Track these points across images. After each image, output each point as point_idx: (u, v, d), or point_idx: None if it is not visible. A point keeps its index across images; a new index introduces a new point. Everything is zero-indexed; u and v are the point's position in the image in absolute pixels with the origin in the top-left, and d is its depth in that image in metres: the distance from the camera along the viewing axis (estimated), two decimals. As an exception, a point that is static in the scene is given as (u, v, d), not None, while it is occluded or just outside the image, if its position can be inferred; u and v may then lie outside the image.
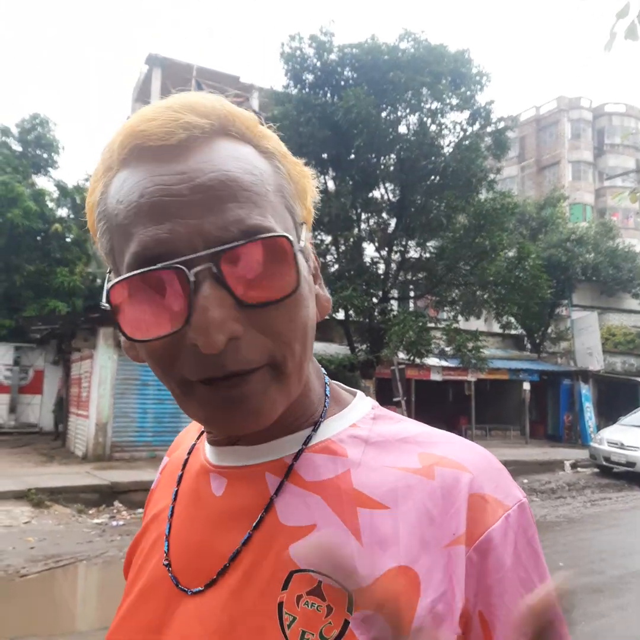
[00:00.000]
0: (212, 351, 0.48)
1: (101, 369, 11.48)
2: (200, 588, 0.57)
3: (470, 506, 0.54)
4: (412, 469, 0.56)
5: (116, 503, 8.50)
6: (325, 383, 0.66)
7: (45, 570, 5.71)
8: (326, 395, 0.65)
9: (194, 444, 0.70)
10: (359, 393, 0.68)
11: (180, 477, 0.67)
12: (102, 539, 6.80)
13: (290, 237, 0.51)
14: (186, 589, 0.58)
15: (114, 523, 7.65)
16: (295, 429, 0.61)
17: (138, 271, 0.49)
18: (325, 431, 0.61)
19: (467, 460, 0.57)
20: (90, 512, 8.14)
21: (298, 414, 0.61)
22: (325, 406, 0.63)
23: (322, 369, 0.68)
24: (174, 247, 0.49)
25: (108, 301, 0.51)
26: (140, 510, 8.26)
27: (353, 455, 0.59)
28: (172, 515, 0.64)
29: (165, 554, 0.62)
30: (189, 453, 0.69)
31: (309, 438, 0.60)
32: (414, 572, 0.52)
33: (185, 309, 0.48)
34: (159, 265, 0.48)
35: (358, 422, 0.63)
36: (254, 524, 0.56)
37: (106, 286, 0.53)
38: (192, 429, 0.76)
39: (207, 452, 0.65)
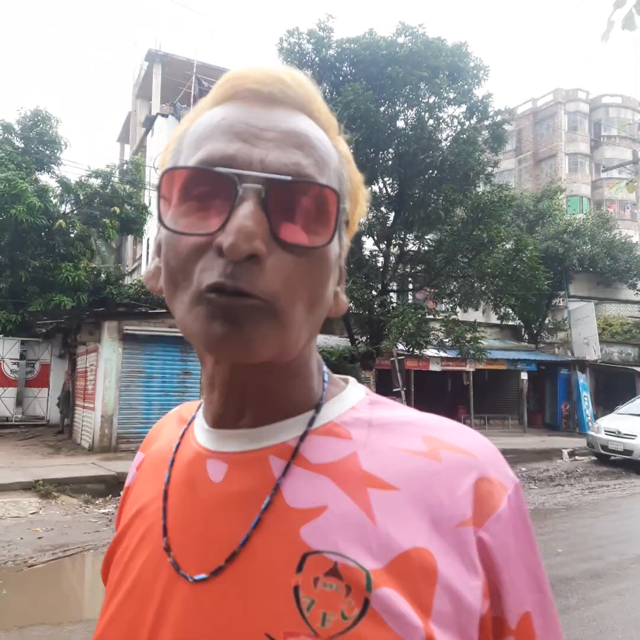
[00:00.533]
0: (233, 256, 0.48)
1: (106, 362, 11.54)
2: (204, 575, 0.55)
3: (476, 489, 0.55)
4: (419, 451, 0.57)
5: (122, 493, 8.59)
6: (324, 371, 0.66)
7: (53, 559, 5.74)
8: (325, 380, 0.65)
9: (183, 434, 0.68)
10: (351, 379, 0.69)
11: (171, 467, 0.65)
12: (109, 529, 6.84)
13: (339, 194, 0.53)
14: (187, 576, 0.55)
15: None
16: (297, 412, 0.60)
17: (193, 165, 0.52)
18: (327, 414, 0.61)
19: (469, 444, 0.58)
20: (97, 502, 8.20)
21: (299, 396, 0.61)
22: (324, 390, 0.63)
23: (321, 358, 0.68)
24: (235, 162, 0.51)
25: (158, 186, 0.54)
26: (146, 499, 8.40)
27: (358, 437, 0.59)
28: (165, 504, 0.62)
29: (164, 539, 0.59)
30: (177, 445, 0.67)
31: (312, 420, 0.60)
32: (429, 553, 0.52)
33: (224, 217, 0.49)
34: (215, 168, 0.51)
35: (357, 405, 0.63)
36: (263, 506, 0.55)
37: (160, 171, 0.56)
38: (170, 422, 0.74)
39: (201, 439, 0.63)
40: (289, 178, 0.51)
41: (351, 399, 0.64)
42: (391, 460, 0.56)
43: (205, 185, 0.51)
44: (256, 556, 0.53)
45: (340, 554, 0.51)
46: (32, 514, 7.33)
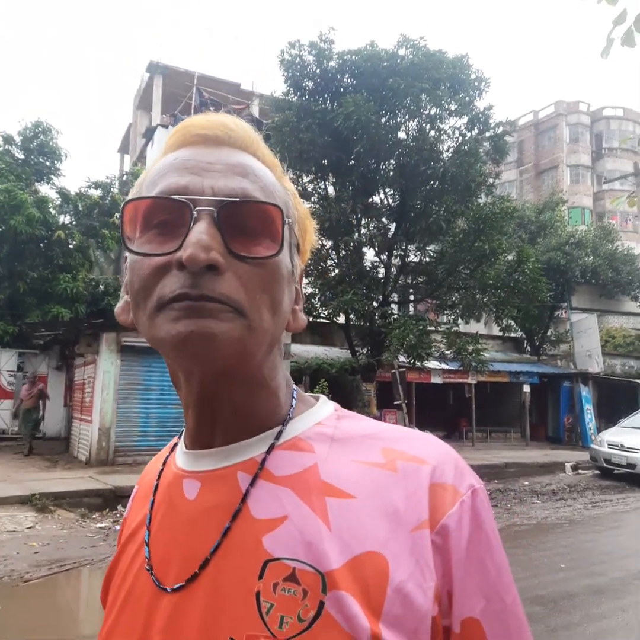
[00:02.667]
0: (193, 265, 0.53)
1: (104, 374, 11.46)
2: (181, 583, 0.59)
3: (431, 494, 0.58)
4: (377, 463, 0.60)
5: (119, 507, 8.46)
6: (294, 389, 0.71)
7: (49, 575, 5.66)
8: (293, 397, 0.69)
9: (166, 460, 0.73)
10: (322, 397, 0.72)
11: (155, 492, 0.70)
12: (106, 543, 6.76)
13: (283, 209, 0.59)
14: (167, 588, 0.60)
15: (117, 527, 7.55)
16: (265, 429, 0.64)
17: (151, 195, 0.59)
18: (292, 430, 0.65)
19: (426, 453, 0.62)
20: (94, 516, 8.11)
21: (266, 410, 0.65)
22: (292, 406, 0.68)
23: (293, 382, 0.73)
24: (188, 191, 0.57)
25: (121, 215, 0.60)
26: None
27: (320, 450, 0.63)
28: (149, 525, 0.67)
29: (146, 560, 0.64)
30: (161, 470, 0.72)
31: (278, 436, 0.64)
32: (382, 556, 0.55)
33: (182, 238, 0.55)
34: (172, 196, 0.57)
35: (323, 420, 0.67)
36: (231, 516, 0.59)
37: (123, 202, 0.62)
38: (162, 454, 0.78)
39: (179, 461, 0.69)
40: (237, 199, 0.57)
41: (318, 415, 0.68)
42: (350, 471, 0.60)
43: (163, 214, 0.58)
44: (224, 564, 0.58)
45: (298, 560, 0.55)
46: (28, 528, 7.26)
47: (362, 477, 0.59)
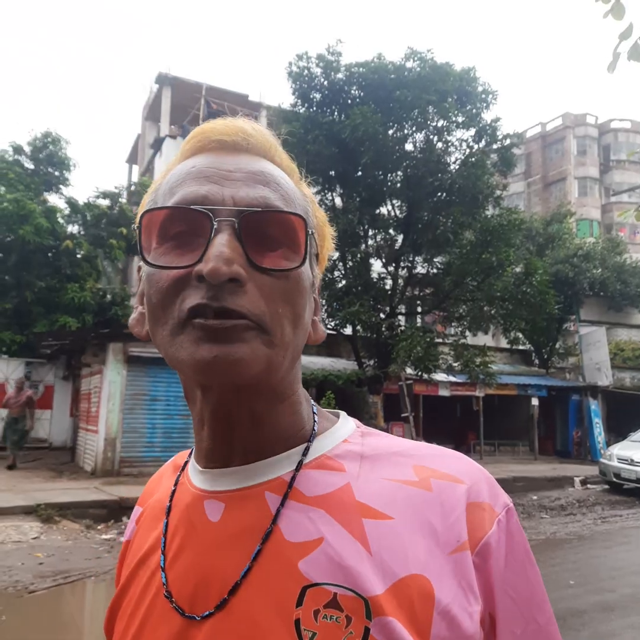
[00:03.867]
0: (214, 279, 0.52)
1: (110, 384, 11.49)
2: (210, 611, 0.56)
3: (469, 514, 0.57)
4: (410, 482, 0.59)
5: (124, 519, 8.40)
6: (312, 404, 0.68)
7: (53, 586, 5.66)
8: (314, 413, 0.67)
9: (177, 481, 0.70)
10: (342, 413, 0.71)
11: (168, 513, 0.66)
12: (111, 555, 6.74)
13: (306, 219, 0.58)
14: (194, 616, 0.57)
15: (123, 539, 7.58)
16: (289, 446, 0.62)
17: (168, 205, 0.57)
18: (319, 448, 0.63)
19: (459, 471, 0.61)
20: (99, 527, 8.10)
21: (290, 430, 0.63)
22: (315, 422, 0.65)
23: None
24: (208, 201, 0.56)
25: (139, 226, 0.58)
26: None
27: (351, 469, 0.60)
28: (165, 549, 0.63)
29: (164, 586, 0.60)
30: (174, 491, 0.69)
31: (304, 454, 0.62)
32: (426, 579, 0.53)
33: (202, 250, 0.53)
34: (191, 206, 0.55)
35: (349, 437, 0.65)
36: (263, 538, 0.56)
37: (140, 212, 0.60)
38: (166, 472, 0.75)
39: (196, 481, 0.65)
40: (259, 209, 0.56)
41: (343, 431, 0.66)
42: (384, 490, 0.58)
43: (182, 225, 0.56)
44: (257, 589, 0.55)
45: (339, 585, 0.53)
46: (33, 538, 7.26)
47: (396, 496, 0.58)
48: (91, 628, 5.08)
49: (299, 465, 0.61)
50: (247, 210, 0.55)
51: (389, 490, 0.58)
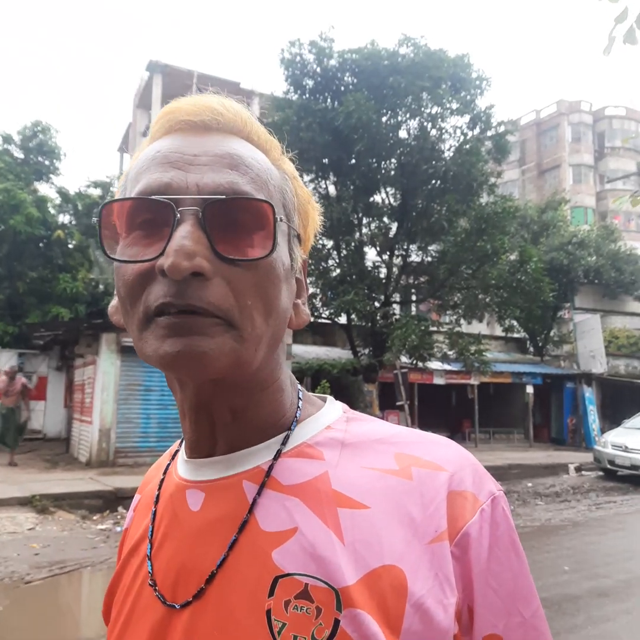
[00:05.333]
0: (175, 275, 0.49)
1: (104, 375, 11.45)
2: (188, 599, 0.56)
3: (449, 503, 0.55)
4: (390, 470, 0.57)
5: (120, 509, 8.45)
6: (298, 389, 0.67)
7: (49, 576, 5.66)
8: (299, 399, 0.65)
9: (167, 469, 0.70)
10: (329, 397, 0.69)
11: (156, 502, 0.67)
12: (107, 545, 6.75)
13: (274, 206, 0.55)
14: (174, 605, 0.57)
15: (118, 529, 7.60)
16: (270, 435, 0.61)
17: (130, 197, 0.55)
18: (300, 435, 0.62)
19: (443, 459, 0.59)
20: (95, 518, 8.11)
21: (271, 419, 0.62)
22: (298, 408, 0.64)
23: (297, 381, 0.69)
24: (172, 189, 0.53)
25: (98, 218, 0.57)
26: (144, 515, 8.30)
27: (330, 457, 0.59)
28: (151, 538, 0.64)
29: (149, 575, 0.61)
30: (162, 480, 0.69)
31: (285, 442, 0.61)
32: (399, 570, 0.52)
33: (165, 242, 0.51)
34: (152, 196, 0.53)
35: (332, 424, 0.63)
36: (239, 527, 0.56)
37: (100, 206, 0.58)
38: (162, 461, 0.76)
39: (181, 470, 0.65)
40: (223, 196, 0.53)
41: (327, 417, 0.64)
42: (362, 479, 0.57)
43: (146, 214, 0.54)
44: (232, 579, 0.55)
45: (310, 576, 0.52)
46: (28, 529, 7.26)
47: (375, 485, 0.56)
48: (88, 618, 5.09)
49: (278, 453, 0.60)
50: (211, 199, 0.52)
51: (368, 479, 0.57)
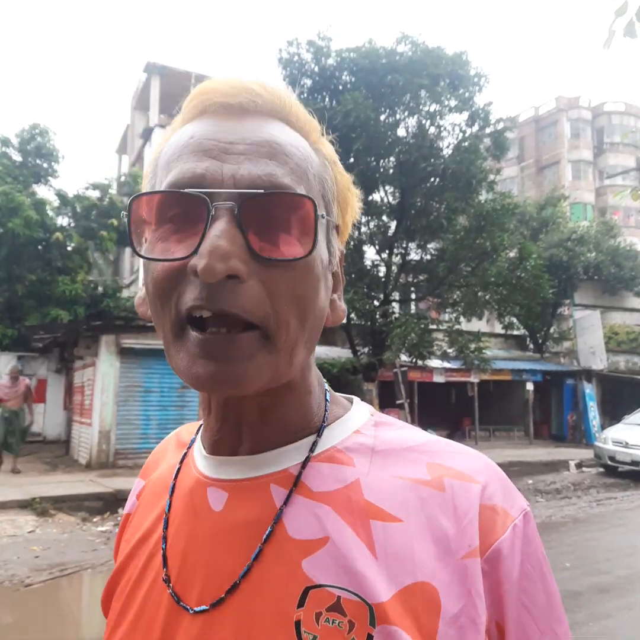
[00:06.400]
0: (208, 278, 0.47)
1: (104, 377, 11.48)
2: (204, 607, 0.54)
3: (481, 517, 0.54)
4: (422, 481, 0.55)
5: (120, 510, 8.42)
6: (325, 389, 0.65)
7: (50, 579, 5.67)
8: (326, 400, 0.63)
9: (182, 459, 0.67)
10: (356, 399, 0.67)
11: (171, 495, 0.64)
12: (107, 547, 6.74)
13: (316, 202, 0.51)
14: (188, 607, 0.55)
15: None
16: (298, 437, 0.59)
17: (162, 190, 0.52)
18: (329, 438, 0.60)
19: (475, 470, 0.57)
20: (95, 520, 8.12)
21: (298, 415, 0.60)
22: (326, 411, 0.62)
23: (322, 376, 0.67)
24: (206, 181, 0.50)
25: (128, 213, 0.53)
26: (144, 517, 8.31)
27: (360, 464, 0.57)
28: (165, 533, 0.61)
29: (163, 570, 0.59)
30: (178, 471, 0.66)
31: (314, 446, 0.59)
32: (433, 587, 0.51)
33: (198, 239, 0.48)
34: (184, 190, 0.50)
35: (360, 428, 0.61)
36: (264, 537, 0.54)
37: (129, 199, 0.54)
38: (168, 447, 0.73)
39: (200, 465, 0.63)
40: (262, 191, 0.49)
41: (355, 421, 0.62)
42: (394, 490, 0.55)
43: (178, 208, 0.51)
44: (257, 589, 0.52)
45: (343, 588, 0.50)
46: (28, 532, 7.26)
47: (407, 496, 0.54)
48: (88, 620, 5.09)
49: (308, 457, 0.58)
50: (248, 193, 0.49)
51: (400, 489, 0.55)
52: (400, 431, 0.62)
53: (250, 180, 0.50)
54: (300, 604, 0.51)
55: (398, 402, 13.96)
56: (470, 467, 0.57)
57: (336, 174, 0.61)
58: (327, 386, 0.66)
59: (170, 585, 0.57)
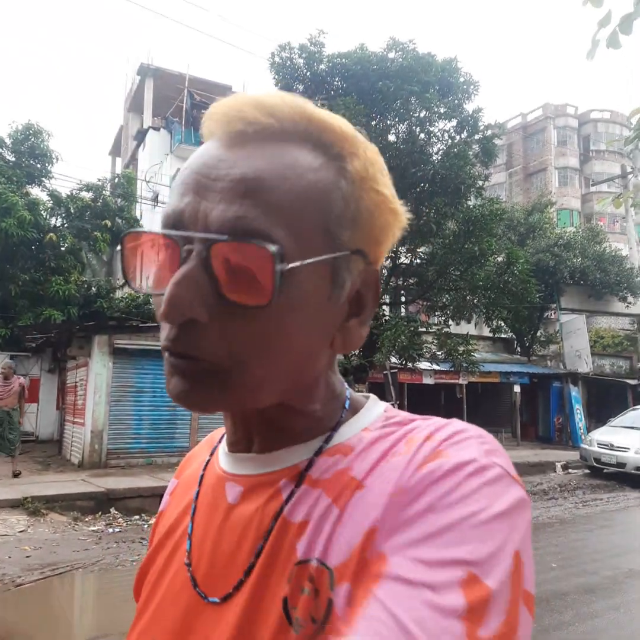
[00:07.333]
0: (168, 322, 0.51)
1: (96, 377, 11.44)
2: (216, 599, 0.57)
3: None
4: (400, 451, 0.55)
5: (112, 510, 8.46)
6: (347, 395, 0.65)
7: (41, 579, 5.63)
8: (344, 406, 0.64)
9: (209, 459, 0.70)
10: (372, 396, 0.67)
11: (200, 483, 0.68)
12: (99, 547, 6.75)
13: (274, 251, 0.49)
14: (203, 594, 0.58)
15: (110, 530, 7.60)
16: (311, 436, 0.61)
17: (141, 229, 0.55)
18: (338, 437, 0.61)
19: (457, 449, 0.54)
20: (87, 519, 8.08)
21: (305, 426, 0.61)
22: (342, 415, 0.63)
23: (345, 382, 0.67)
24: (184, 219, 0.52)
25: (120, 247, 0.56)
26: (136, 517, 8.23)
27: (359, 451, 0.58)
28: (192, 521, 0.65)
29: (187, 553, 0.62)
30: (207, 463, 0.70)
31: (324, 443, 0.60)
32: (376, 528, 0.51)
33: (170, 277, 0.51)
34: (159, 231, 0.53)
35: (369, 425, 0.61)
36: (267, 531, 0.57)
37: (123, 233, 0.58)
38: (202, 447, 0.76)
39: (222, 461, 0.66)
40: (225, 237, 0.50)
41: (367, 418, 0.63)
42: (376, 463, 0.56)
43: (162, 246, 0.53)
44: (258, 582, 0.55)
45: (316, 559, 0.52)
46: (20, 532, 7.22)
47: (382, 465, 0.55)
48: (80, 620, 5.08)
49: (316, 453, 0.60)
50: (211, 238, 0.50)
51: (381, 462, 0.55)
52: (408, 420, 0.61)
53: (220, 224, 0.50)
54: (289, 580, 0.53)
55: (388, 403, 14.03)
56: (449, 432, 0.55)
57: (363, 191, 0.57)
58: (348, 393, 0.65)
59: (190, 569, 0.61)
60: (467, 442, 0.54)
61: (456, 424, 0.57)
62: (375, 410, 0.64)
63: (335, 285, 0.56)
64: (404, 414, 0.63)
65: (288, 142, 0.54)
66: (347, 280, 0.57)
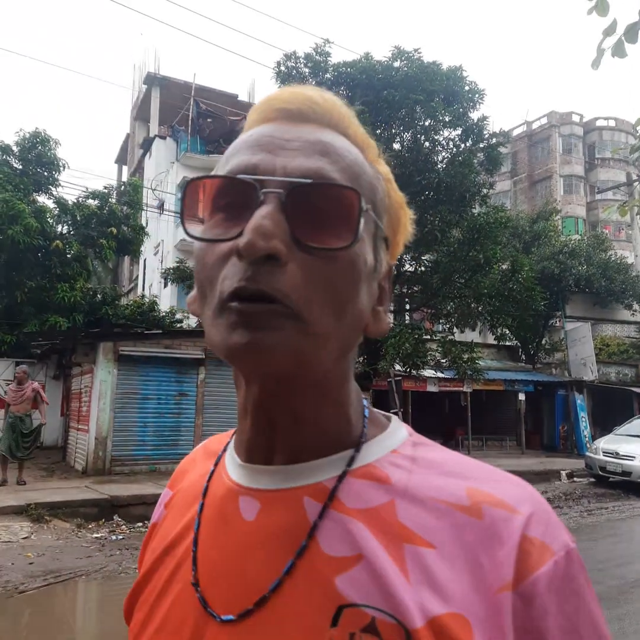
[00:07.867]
0: (250, 254, 0.48)
1: (101, 384, 11.49)
2: (231, 616, 0.53)
3: (519, 550, 0.50)
4: (460, 506, 0.53)
5: (116, 517, 8.47)
6: (365, 405, 0.63)
7: (44, 585, 5.63)
8: (365, 416, 0.62)
9: (213, 470, 0.66)
10: (394, 417, 0.65)
11: (204, 497, 0.63)
12: (102, 554, 6.75)
13: (360, 194, 0.51)
14: (215, 614, 0.54)
15: (114, 537, 7.60)
16: (335, 450, 0.57)
17: (213, 174, 0.54)
18: (367, 455, 0.57)
19: (517, 500, 0.54)
20: (90, 526, 8.08)
21: (337, 432, 0.58)
22: (364, 426, 0.60)
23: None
24: (258, 170, 0.52)
25: (182, 197, 0.55)
26: (139, 524, 8.21)
27: (397, 483, 0.55)
28: (196, 538, 0.60)
29: (193, 573, 0.57)
30: (209, 478, 0.65)
31: (351, 461, 0.57)
32: (465, 620, 0.48)
33: (245, 222, 0.49)
34: (234, 175, 0.52)
35: (398, 447, 0.59)
36: (297, 551, 0.53)
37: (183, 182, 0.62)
38: (197, 457, 0.72)
39: (233, 473, 0.61)
40: (309, 180, 0.50)
41: (393, 439, 0.60)
42: (430, 513, 0.53)
43: (230, 195, 0.52)
44: (287, 603, 0.51)
45: (379, 609, 0.48)
46: (23, 538, 7.22)
47: (443, 522, 0.52)
48: (82, 627, 5.07)
49: (344, 472, 0.56)
50: (296, 182, 0.50)
51: (436, 513, 0.52)
52: (440, 453, 0.59)
53: (301, 172, 0.51)
54: (334, 623, 0.49)
55: (392, 411, 14.01)
56: (513, 496, 0.54)
57: (390, 190, 0.61)
58: (366, 402, 0.64)
59: (199, 589, 0.56)
60: (555, 522, 0.55)
61: (508, 477, 0.57)
62: (400, 431, 0.62)
63: (376, 260, 0.58)
64: (428, 440, 0.62)
65: (339, 131, 0.58)
66: (382, 261, 0.59)
